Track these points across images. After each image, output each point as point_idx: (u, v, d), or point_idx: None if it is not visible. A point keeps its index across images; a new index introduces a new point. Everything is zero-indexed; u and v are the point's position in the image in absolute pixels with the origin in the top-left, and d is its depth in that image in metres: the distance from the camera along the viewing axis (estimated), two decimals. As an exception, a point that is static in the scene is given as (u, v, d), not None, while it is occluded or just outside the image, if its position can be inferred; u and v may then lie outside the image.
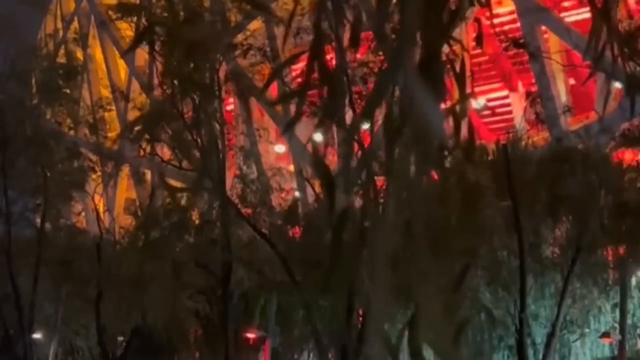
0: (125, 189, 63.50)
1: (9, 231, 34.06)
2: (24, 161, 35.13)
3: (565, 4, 48.93)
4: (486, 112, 55.70)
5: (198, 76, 27.01)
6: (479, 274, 27.62)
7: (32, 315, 34.08)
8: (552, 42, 46.00)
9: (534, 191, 27.47)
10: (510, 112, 54.37)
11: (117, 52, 70.05)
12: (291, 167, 47.57)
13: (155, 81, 27.66)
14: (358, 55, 23.37)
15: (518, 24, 46.88)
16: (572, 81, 46.34)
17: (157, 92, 28.75)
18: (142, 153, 32.11)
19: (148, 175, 41.16)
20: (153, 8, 27.79)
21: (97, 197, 38.35)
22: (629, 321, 30.37)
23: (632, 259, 29.13)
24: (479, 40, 4.14)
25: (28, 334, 34.47)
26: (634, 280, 31.05)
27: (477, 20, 4.06)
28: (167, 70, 27.00)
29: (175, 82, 26.85)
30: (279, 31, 25.45)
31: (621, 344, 29.67)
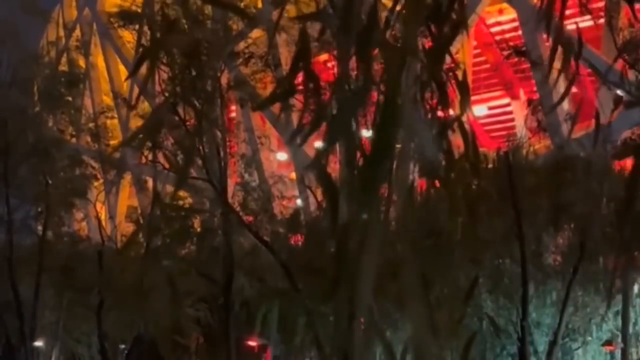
0: (127, 197, 63.53)
1: (11, 239, 34.04)
2: (26, 169, 35.13)
3: (567, 12, 48.91)
4: (488, 120, 55.71)
5: (200, 84, 27.02)
6: (481, 282, 27.57)
7: (33, 323, 34.06)
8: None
9: (536, 199, 27.45)
10: (512, 120, 54.35)
11: (119, 60, 70.12)
12: (293, 175, 47.55)
13: (158, 88, 27.65)
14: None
15: (519, 32, 46.87)
16: (573, 89, 46.25)
17: (159, 100, 28.76)
18: (144, 160, 32.08)
19: (150, 182, 41.08)
20: (155, 16, 27.81)
21: (99, 205, 38.33)
22: (630, 329, 30.27)
23: (635, 267, 29.06)
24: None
25: (30, 342, 34.44)
26: (636, 288, 30.96)
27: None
28: (169, 77, 27.00)
29: (178, 89, 26.85)
30: (281, 39, 25.50)
31: (624, 351, 29.58)
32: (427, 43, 3.72)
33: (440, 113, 3.40)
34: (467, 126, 3.41)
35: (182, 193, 35.63)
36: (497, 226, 26.80)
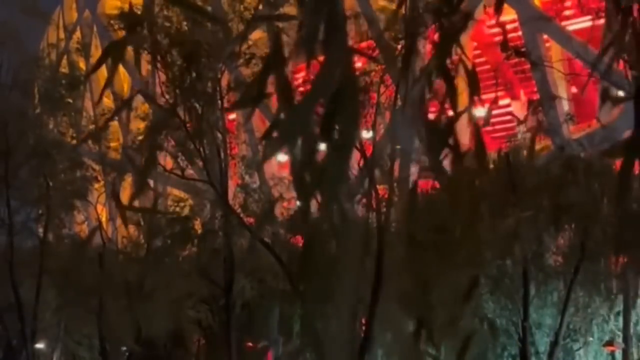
0: (127, 199, 63.44)
1: (12, 241, 34.04)
2: (26, 171, 35.11)
3: (567, 12, 49.00)
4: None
5: (200, 85, 27.00)
6: (482, 282, 27.56)
7: (34, 325, 34.06)
8: (553, 51, 46.06)
9: (537, 199, 27.44)
10: (512, 121, 54.32)
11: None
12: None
13: (158, 90, 27.64)
14: (359, 65, 23.28)
15: (520, 33, 46.88)
16: (574, 89, 46.34)
17: (159, 102, 28.75)
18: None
19: (151, 184, 40.94)
20: (155, 18, 27.77)
21: (99, 207, 38.32)
22: (631, 330, 30.28)
23: (636, 268, 29.06)
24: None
25: (31, 344, 34.44)
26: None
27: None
28: (170, 79, 26.98)
29: (178, 91, 26.84)
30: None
31: (625, 352, 29.59)
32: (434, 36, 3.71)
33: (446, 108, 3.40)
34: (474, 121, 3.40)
35: (182, 195, 35.67)
36: (498, 226, 26.79)
